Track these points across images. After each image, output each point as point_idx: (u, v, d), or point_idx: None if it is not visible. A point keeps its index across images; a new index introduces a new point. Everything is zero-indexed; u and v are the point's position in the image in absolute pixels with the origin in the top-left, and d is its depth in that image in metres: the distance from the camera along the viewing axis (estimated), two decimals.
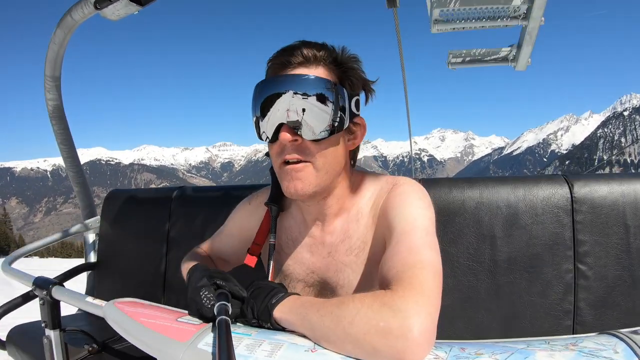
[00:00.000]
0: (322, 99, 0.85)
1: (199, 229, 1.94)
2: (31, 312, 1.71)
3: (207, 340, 0.71)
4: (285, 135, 0.85)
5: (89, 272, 2.26)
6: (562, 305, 1.41)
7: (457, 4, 2.17)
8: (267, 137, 0.90)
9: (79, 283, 2.08)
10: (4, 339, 1.77)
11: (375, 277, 0.96)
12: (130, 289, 2.07)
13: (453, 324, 1.46)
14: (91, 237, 2.28)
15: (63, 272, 1.98)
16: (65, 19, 1.58)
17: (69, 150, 2.06)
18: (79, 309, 2.07)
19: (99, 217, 2.26)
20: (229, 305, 0.76)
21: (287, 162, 0.88)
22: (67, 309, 1.36)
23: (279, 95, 0.85)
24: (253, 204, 1.14)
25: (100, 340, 1.49)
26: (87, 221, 2.24)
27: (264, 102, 0.87)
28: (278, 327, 0.75)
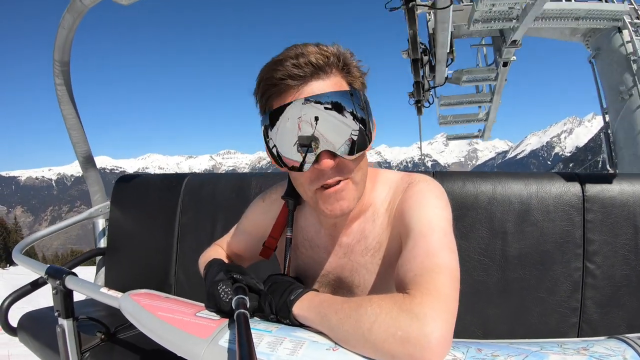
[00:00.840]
0: (353, 114, 0.81)
1: (209, 215, 1.94)
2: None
3: (227, 337, 0.72)
4: (328, 163, 0.80)
5: (99, 257, 2.27)
6: (570, 302, 1.43)
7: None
8: (297, 165, 0.82)
9: (86, 268, 2.10)
10: (14, 325, 1.79)
11: (390, 277, 0.95)
12: (140, 276, 2.08)
13: (462, 318, 1.47)
14: (101, 222, 2.29)
15: (73, 258, 2.00)
16: (75, 3, 1.55)
17: (78, 135, 2.05)
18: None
19: (108, 202, 2.26)
20: (247, 298, 0.76)
21: (325, 186, 0.84)
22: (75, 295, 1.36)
23: (312, 121, 0.79)
24: (267, 201, 1.13)
25: (112, 328, 1.51)
26: (97, 206, 2.24)
27: (287, 127, 0.80)
28: (297, 323, 0.76)
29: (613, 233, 1.41)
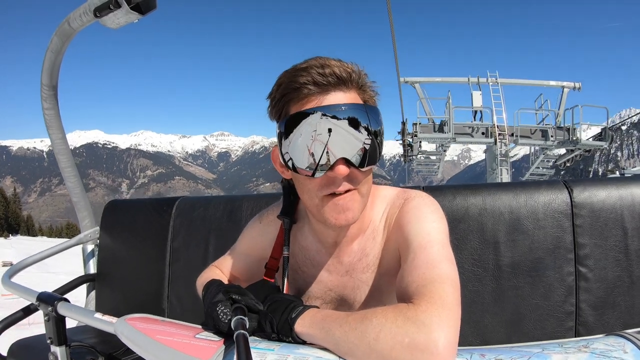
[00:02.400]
0: (367, 128, 0.83)
1: (201, 238, 1.93)
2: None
3: (230, 357, 0.71)
4: (344, 170, 0.81)
5: (88, 284, 2.22)
6: (564, 307, 1.45)
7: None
8: (313, 170, 0.83)
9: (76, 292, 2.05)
10: (4, 353, 1.73)
11: (386, 290, 0.97)
12: (132, 301, 2.04)
13: (460, 329, 1.49)
14: (90, 248, 2.24)
15: (61, 285, 1.95)
16: (63, 26, 1.55)
17: (66, 160, 2.02)
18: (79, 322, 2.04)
19: (97, 227, 2.22)
20: (246, 319, 0.75)
21: (333, 194, 0.85)
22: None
23: (331, 130, 0.81)
24: (264, 222, 1.12)
25: (105, 355, 1.47)
26: (86, 232, 2.20)
27: (303, 134, 0.82)
28: (299, 341, 0.75)
29: (603, 236, 1.45)
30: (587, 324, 1.43)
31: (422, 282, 0.74)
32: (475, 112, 12.04)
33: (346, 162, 0.82)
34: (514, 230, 1.50)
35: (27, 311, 1.66)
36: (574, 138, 11.41)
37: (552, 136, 11.57)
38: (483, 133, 11.76)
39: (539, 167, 12.54)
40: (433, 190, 1.61)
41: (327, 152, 0.81)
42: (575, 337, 1.38)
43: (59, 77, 1.81)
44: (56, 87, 1.82)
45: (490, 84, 12.12)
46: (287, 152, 0.85)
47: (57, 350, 1.21)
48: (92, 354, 1.40)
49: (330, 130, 0.80)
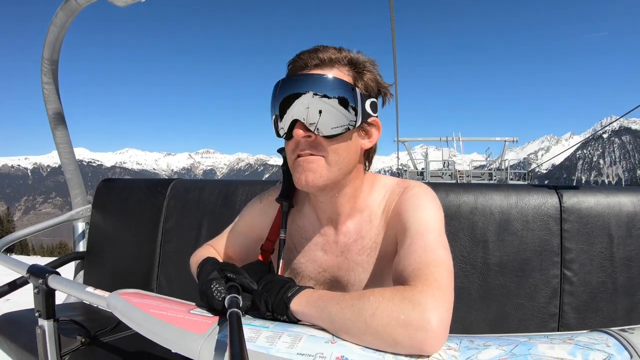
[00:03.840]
0: (335, 98, 0.87)
1: (195, 221, 1.92)
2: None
3: (225, 332, 0.72)
4: (298, 132, 0.88)
5: (77, 262, 2.20)
6: (548, 308, 1.48)
7: None
8: (284, 134, 0.92)
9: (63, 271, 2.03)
10: None
11: (384, 276, 0.99)
12: (121, 280, 2.03)
13: None
14: (81, 226, 2.23)
15: (50, 261, 1.93)
16: (70, 1, 1.53)
17: (62, 135, 2.00)
18: (66, 299, 2.03)
19: (90, 205, 2.21)
20: (240, 297, 0.76)
21: (300, 156, 0.91)
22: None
23: (296, 96, 0.88)
24: (264, 202, 1.14)
25: (92, 332, 1.47)
26: (78, 209, 2.18)
27: (282, 101, 0.90)
28: (294, 320, 0.76)
29: (589, 242, 1.48)
30: (570, 327, 1.46)
31: (419, 265, 0.76)
32: (445, 162, 22.94)
33: (303, 125, 0.89)
34: (504, 231, 1.53)
35: (13, 285, 1.65)
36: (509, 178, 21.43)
37: (495, 176, 21.67)
38: (450, 175, 21.57)
39: None
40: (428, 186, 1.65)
41: (286, 115, 0.90)
42: None
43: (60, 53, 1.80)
44: (57, 62, 1.80)
45: (455, 141, 23.21)
46: (275, 115, 0.94)
47: (45, 323, 1.20)
48: (79, 330, 1.40)
49: (296, 96, 0.88)
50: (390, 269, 0.88)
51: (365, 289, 0.97)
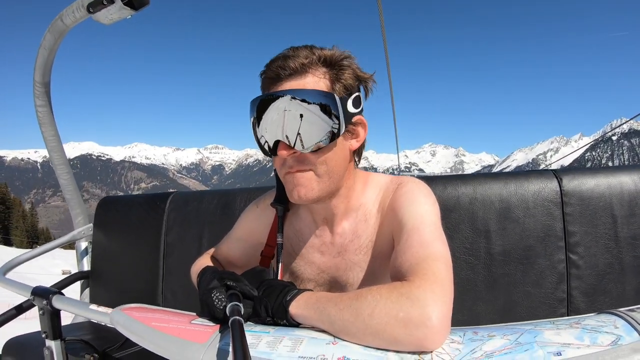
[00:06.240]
0: (315, 110, 0.85)
1: (195, 234, 1.92)
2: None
3: (226, 340, 0.72)
4: (282, 153, 0.88)
5: (82, 281, 2.21)
6: (556, 293, 1.46)
7: None
8: (269, 152, 0.92)
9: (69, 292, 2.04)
10: None
11: (382, 274, 0.98)
12: (126, 297, 2.03)
13: (453, 316, 1.51)
14: (83, 245, 2.24)
15: (55, 282, 1.94)
16: (56, 23, 1.54)
17: (59, 157, 2.01)
18: (74, 319, 2.03)
19: (91, 224, 2.22)
20: (241, 305, 0.76)
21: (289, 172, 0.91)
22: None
23: (273, 113, 0.87)
24: (260, 207, 1.15)
25: (100, 349, 1.47)
26: (80, 229, 2.19)
27: (262, 120, 0.89)
28: (294, 323, 0.76)
29: (592, 224, 1.46)
30: (579, 311, 1.44)
31: (415, 260, 0.75)
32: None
33: (287, 145, 0.87)
34: (505, 219, 1.51)
35: (20, 309, 1.66)
36: None
37: None
38: None
39: None
40: (423, 179, 1.63)
41: (266, 135, 0.90)
42: None
43: (52, 75, 1.80)
44: (49, 84, 1.81)
45: None
46: (257, 133, 0.93)
47: (52, 344, 1.21)
48: (87, 348, 1.40)
49: (275, 113, 0.87)
50: (385, 267, 0.88)
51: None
